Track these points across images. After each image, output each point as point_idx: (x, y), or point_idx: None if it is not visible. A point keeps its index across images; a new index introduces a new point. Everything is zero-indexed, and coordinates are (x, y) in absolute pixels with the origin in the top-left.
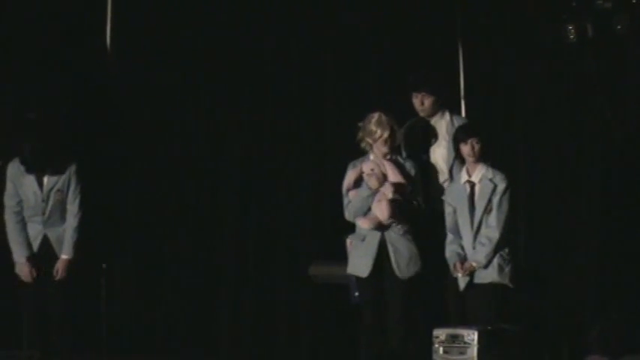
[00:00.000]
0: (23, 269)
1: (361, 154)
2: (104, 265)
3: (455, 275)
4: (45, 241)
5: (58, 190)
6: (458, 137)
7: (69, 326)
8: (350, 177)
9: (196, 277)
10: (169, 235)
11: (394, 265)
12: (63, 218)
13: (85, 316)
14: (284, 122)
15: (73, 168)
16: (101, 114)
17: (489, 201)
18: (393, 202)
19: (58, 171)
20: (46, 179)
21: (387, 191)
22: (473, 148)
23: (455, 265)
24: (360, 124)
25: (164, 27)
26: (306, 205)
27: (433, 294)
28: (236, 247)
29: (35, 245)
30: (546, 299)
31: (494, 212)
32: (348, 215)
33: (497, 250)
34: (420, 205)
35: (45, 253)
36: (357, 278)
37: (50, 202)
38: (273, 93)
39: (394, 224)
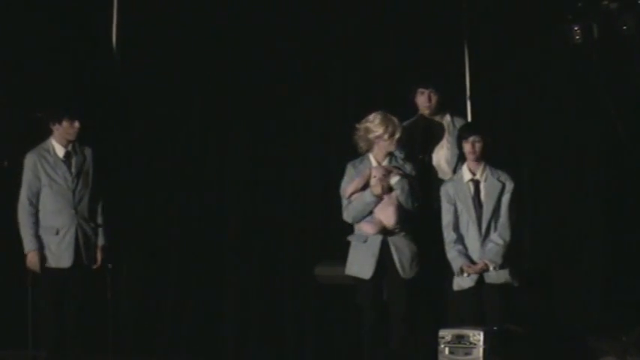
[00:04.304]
0: (33, 259)
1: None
2: (110, 265)
3: (461, 276)
4: (77, 244)
5: (86, 173)
6: (461, 135)
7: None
8: (359, 182)
9: (201, 278)
10: (175, 235)
11: (398, 266)
12: (90, 209)
13: (91, 316)
14: (288, 122)
15: (91, 153)
16: (106, 112)
17: (498, 200)
18: (399, 209)
19: (81, 154)
20: (73, 162)
21: (393, 198)
22: (473, 146)
23: (462, 267)
24: (358, 125)
25: (170, 25)
26: (310, 206)
27: (435, 294)
28: (241, 247)
29: (69, 239)
30: (552, 299)
31: (505, 212)
32: (346, 216)
33: (510, 249)
34: (417, 207)
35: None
36: (357, 280)
37: (79, 186)
38: (278, 92)
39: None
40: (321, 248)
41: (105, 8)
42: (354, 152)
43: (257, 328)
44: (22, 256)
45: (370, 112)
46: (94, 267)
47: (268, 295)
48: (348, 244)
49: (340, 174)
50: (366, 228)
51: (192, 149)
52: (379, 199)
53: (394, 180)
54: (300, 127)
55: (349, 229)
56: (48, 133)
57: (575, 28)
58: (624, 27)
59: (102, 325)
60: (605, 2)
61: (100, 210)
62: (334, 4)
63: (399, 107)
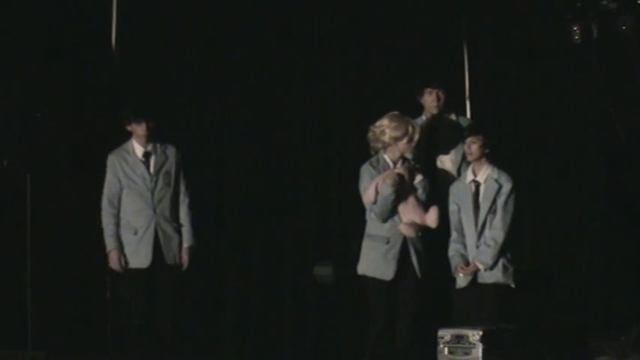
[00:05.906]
0: (113, 258)
1: (369, 154)
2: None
3: (456, 275)
4: (156, 243)
5: (166, 173)
6: (463, 136)
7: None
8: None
9: (201, 277)
10: None
11: (416, 267)
12: (172, 208)
13: (90, 317)
14: (289, 121)
15: (178, 155)
16: (105, 112)
17: (494, 201)
18: (441, 210)
19: (162, 154)
20: (152, 161)
21: (422, 199)
22: (469, 147)
23: (457, 266)
24: (373, 127)
25: (170, 25)
26: (311, 206)
27: (436, 294)
28: (241, 247)
29: (147, 239)
30: (550, 300)
31: (499, 213)
32: (375, 217)
33: (502, 251)
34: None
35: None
36: (374, 280)
37: (158, 186)
38: (278, 92)
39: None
40: (321, 248)
41: (105, 8)
42: (355, 152)
43: (256, 327)
44: (24, 257)
45: (370, 114)
46: (183, 268)
47: (267, 294)
48: (347, 243)
49: (340, 174)
50: (407, 231)
51: (192, 148)
52: (395, 186)
53: (417, 179)
54: (301, 126)
55: (349, 228)
56: (51, 134)
57: (575, 28)
58: (624, 27)
59: (100, 325)
60: (605, 2)
61: (186, 210)
62: (335, 5)
63: (398, 107)
